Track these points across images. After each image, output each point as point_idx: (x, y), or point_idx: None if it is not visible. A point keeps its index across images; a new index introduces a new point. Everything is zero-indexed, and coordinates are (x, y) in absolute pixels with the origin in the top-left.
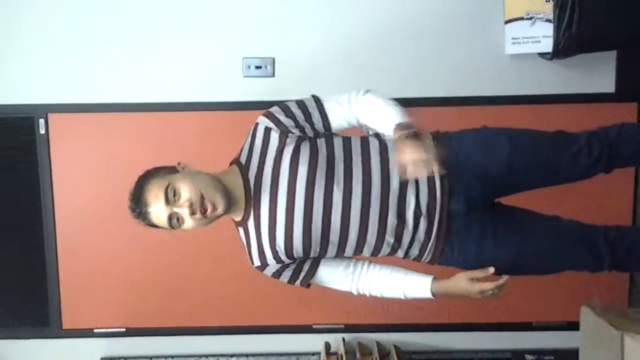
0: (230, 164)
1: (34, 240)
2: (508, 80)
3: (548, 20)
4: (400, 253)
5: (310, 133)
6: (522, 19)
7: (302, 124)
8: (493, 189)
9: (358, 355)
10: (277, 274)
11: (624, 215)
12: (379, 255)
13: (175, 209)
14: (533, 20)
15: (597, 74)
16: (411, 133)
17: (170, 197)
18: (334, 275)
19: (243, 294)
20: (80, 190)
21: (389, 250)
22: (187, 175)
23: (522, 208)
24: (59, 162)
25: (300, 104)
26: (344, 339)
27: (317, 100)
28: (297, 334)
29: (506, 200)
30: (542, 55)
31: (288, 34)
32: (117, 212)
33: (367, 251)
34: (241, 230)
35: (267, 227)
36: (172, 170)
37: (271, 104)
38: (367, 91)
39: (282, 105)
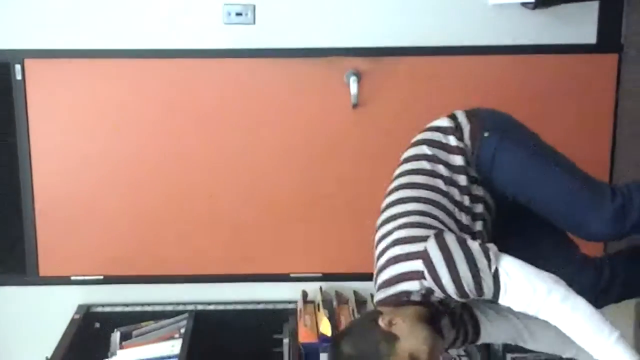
0: None
1: (10, 187)
2: (491, 30)
3: None
4: None
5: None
6: None
7: None
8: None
9: (335, 303)
10: None
11: None
12: None
13: None
14: None
15: (579, 24)
16: None
17: None
18: None
19: (221, 242)
20: (58, 137)
21: None
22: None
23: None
24: (35, 108)
25: None
26: (321, 288)
27: None
28: (274, 282)
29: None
30: (524, 4)
31: None
32: (95, 158)
33: None
34: None
35: None
36: (385, 333)
37: (251, 52)
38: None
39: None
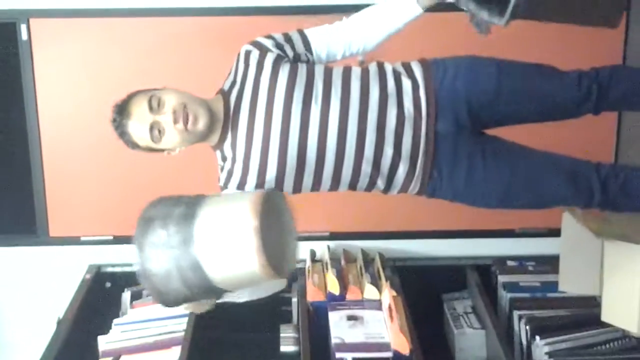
0: (216, 94)
1: (18, 148)
2: None
3: None
4: (380, 183)
5: (290, 53)
6: None
7: (282, 43)
8: (480, 113)
9: (343, 262)
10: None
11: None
12: (357, 190)
13: (157, 118)
14: None
15: None
16: None
17: (154, 106)
18: None
19: None
20: (65, 96)
21: (367, 180)
22: (172, 89)
23: (511, 140)
24: (42, 68)
25: (284, 33)
26: (329, 247)
27: (299, 30)
28: None
29: (494, 133)
30: None
31: None
32: (104, 118)
33: (344, 183)
34: (218, 152)
35: (243, 146)
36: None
37: (260, 9)
38: None
39: (266, 34)
